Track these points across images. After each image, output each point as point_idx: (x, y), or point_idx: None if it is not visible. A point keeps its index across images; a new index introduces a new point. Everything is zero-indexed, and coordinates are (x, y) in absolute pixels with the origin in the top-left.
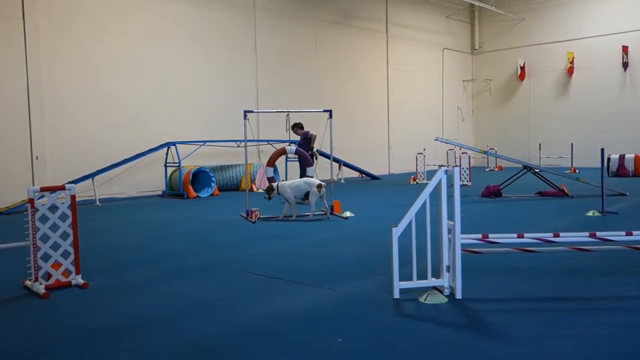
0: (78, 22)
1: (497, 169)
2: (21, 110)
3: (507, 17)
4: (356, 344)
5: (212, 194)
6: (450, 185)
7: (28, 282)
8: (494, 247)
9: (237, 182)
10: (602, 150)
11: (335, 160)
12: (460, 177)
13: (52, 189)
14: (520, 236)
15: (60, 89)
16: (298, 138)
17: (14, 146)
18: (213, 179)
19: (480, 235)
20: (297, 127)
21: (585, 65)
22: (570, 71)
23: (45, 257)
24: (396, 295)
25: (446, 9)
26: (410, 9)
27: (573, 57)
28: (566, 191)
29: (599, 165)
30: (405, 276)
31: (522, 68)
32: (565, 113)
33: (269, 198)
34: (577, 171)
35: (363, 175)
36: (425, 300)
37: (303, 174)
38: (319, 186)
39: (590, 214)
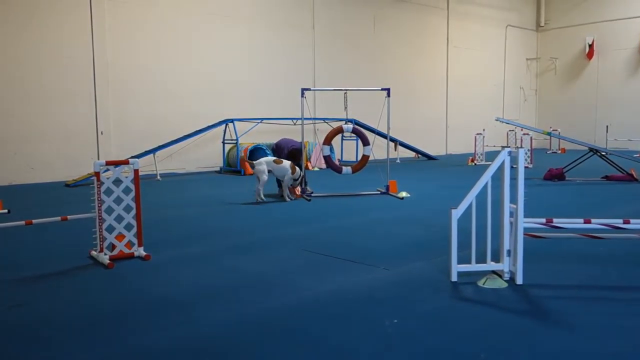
0: (139, 1)
1: (559, 151)
2: (88, 87)
3: None
4: (412, 326)
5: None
6: (512, 167)
7: (94, 252)
8: (558, 232)
9: None
10: None
11: (392, 139)
12: None
13: (117, 163)
14: (587, 221)
15: (123, 67)
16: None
17: (81, 122)
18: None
19: (544, 220)
20: None
21: None
22: None
23: (110, 229)
24: (454, 278)
25: None
26: None
27: None
28: (635, 176)
29: None
30: (463, 259)
31: (591, 46)
32: (636, 94)
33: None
34: None
35: (419, 156)
36: (484, 284)
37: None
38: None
39: None
